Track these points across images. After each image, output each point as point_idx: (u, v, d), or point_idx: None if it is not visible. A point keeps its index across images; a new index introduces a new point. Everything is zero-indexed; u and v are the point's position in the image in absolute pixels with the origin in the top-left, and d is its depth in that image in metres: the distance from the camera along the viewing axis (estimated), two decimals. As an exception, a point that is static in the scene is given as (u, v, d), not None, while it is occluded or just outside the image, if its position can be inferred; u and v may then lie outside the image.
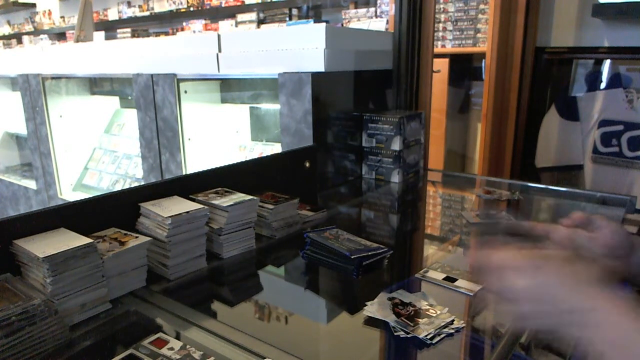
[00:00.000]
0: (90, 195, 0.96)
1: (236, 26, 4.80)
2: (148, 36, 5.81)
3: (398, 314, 0.80)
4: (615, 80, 2.31)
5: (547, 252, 0.65)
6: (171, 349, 0.69)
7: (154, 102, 2.09)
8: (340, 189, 1.68)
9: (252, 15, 4.65)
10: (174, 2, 5.31)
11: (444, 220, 1.42)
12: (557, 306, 0.55)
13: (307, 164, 1.46)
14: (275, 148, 2.12)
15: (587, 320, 0.52)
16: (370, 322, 0.79)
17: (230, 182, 1.17)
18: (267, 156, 1.40)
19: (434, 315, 0.79)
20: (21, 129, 3.09)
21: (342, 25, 3.69)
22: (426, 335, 0.74)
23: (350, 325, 0.83)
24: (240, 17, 4.76)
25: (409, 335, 0.74)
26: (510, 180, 2.06)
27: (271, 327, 0.85)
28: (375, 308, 0.82)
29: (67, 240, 0.79)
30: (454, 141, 3.13)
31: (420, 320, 0.78)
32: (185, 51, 1.95)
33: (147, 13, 5.62)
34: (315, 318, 0.93)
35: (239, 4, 4.72)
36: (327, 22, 4.14)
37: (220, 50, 1.81)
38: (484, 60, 2.56)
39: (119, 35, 5.97)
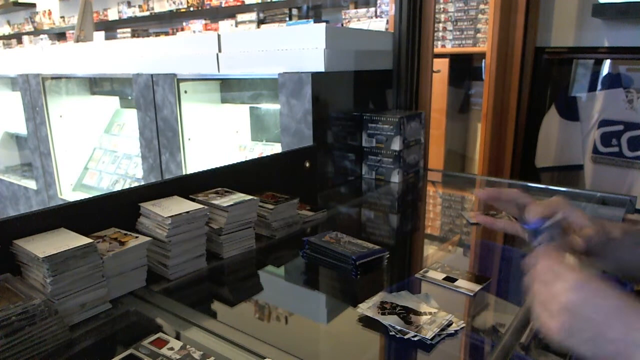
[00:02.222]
0: (90, 195, 0.96)
1: (236, 26, 4.80)
2: (148, 36, 5.81)
3: (393, 314, 0.80)
4: (615, 80, 2.31)
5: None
6: (171, 349, 0.69)
7: (154, 102, 2.09)
8: (340, 189, 1.68)
9: (252, 15, 4.65)
10: (174, 2, 5.31)
11: (444, 220, 1.42)
12: (599, 331, 0.51)
13: (307, 164, 1.46)
14: (275, 148, 2.12)
15: (632, 354, 0.49)
16: (370, 322, 0.79)
17: (230, 182, 1.17)
18: (267, 156, 1.40)
19: (433, 316, 0.79)
20: (21, 129, 3.09)
21: (342, 25, 3.69)
22: (425, 336, 0.74)
23: (351, 325, 0.83)
24: (240, 17, 4.75)
25: (405, 337, 0.74)
26: (510, 180, 2.06)
27: (271, 327, 0.85)
28: (368, 306, 0.82)
29: (67, 240, 0.79)
30: (454, 141, 3.13)
31: (417, 320, 0.78)
32: (185, 51, 1.95)
33: (147, 13, 5.62)
34: (316, 318, 0.93)
35: (239, 4, 4.72)
36: (327, 22, 4.14)
37: (220, 50, 1.81)
38: (484, 60, 2.56)
39: (119, 35, 5.97)
